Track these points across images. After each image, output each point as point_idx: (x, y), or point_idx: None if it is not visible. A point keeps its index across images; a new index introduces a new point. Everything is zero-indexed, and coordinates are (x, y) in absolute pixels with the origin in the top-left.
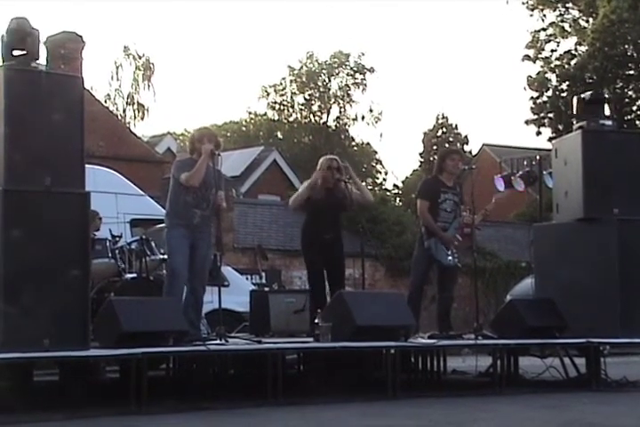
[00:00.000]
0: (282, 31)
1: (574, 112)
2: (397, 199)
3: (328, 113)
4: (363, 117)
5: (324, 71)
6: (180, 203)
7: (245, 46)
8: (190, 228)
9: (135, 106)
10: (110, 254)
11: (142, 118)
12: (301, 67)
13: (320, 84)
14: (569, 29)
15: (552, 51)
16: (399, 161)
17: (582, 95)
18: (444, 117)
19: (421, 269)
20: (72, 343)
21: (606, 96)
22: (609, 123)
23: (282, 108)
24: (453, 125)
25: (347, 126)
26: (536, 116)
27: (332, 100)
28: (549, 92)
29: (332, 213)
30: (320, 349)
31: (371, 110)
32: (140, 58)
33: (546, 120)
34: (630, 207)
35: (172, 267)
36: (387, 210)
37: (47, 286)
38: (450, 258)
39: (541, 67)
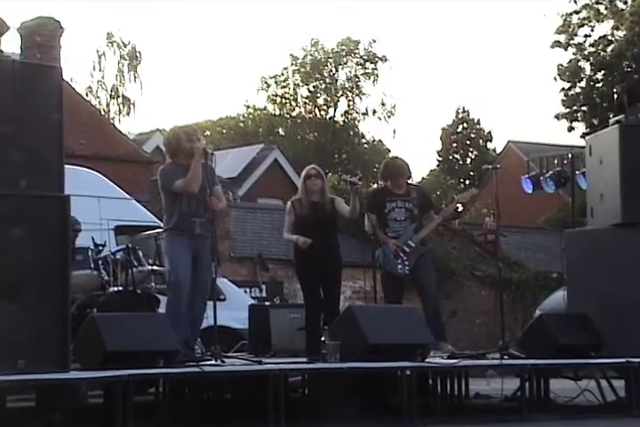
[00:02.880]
0: (283, 16)
1: (612, 105)
2: None
3: (335, 107)
4: (374, 112)
5: (330, 60)
6: (176, 213)
7: (243, 33)
8: (192, 237)
9: (120, 100)
10: (93, 265)
11: (128, 113)
12: (305, 55)
13: (326, 74)
14: (604, 12)
15: (586, 36)
16: (415, 160)
17: (621, 85)
18: (464, 111)
19: (389, 285)
20: (50, 365)
21: None
22: None
23: (284, 101)
24: (475, 120)
25: (356, 122)
26: (568, 110)
27: (340, 92)
28: (583, 83)
29: (320, 228)
30: (327, 370)
31: (383, 104)
32: (125, 46)
33: (579, 114)
34: None
35: (176, 277)
36: None
37: (21, 301)
38: (399, 267)
39: (574, 54)
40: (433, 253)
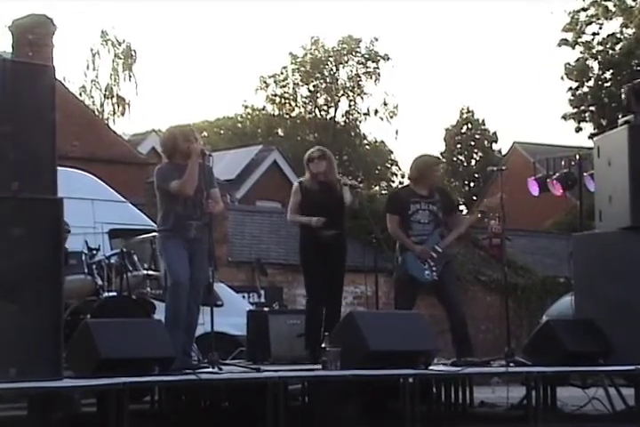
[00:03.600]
0: (283, 13)
1: (621, 104)
2: None
3: (336, 107)
4: (376, 112)
5: (330, 59)
6: (172, 216)
7: (241, 30)
8: (187, 240)
9: (114, 99)
10: (86, 270)
11: (122, 114)
12: (305, 54)
13: (327, 73)
14: (613, 9)
15: (594, 34)
16: None
17: (631, 84)
18: (468, 112)
19: (406, 292)
20: (42, 373)
21: None
22: None
23: (283, 101)
24: (480, 121)
25: (357, 122)
26: (575, 110)
27: (341, 92)
28: (591, 82)
29: (330, 209)
30: (328, 377)
31: (385, 104)
32: (119, 44)
33: (587, 114)
34: None
35: (175, 278)
36: None
37: (13, 307)
38: (427, 273)
39: (581, 53)
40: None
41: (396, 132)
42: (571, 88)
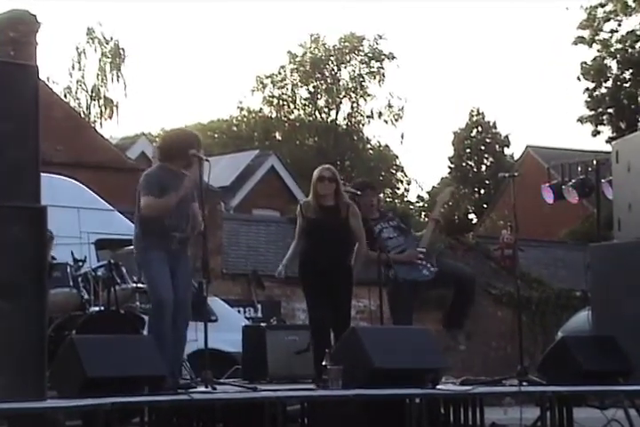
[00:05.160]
0: (280, 9)
1: None
2: (422, 214)
3: (337, 109)
4: (380, 114)
5: (332, 58)
6: (155, 226)
7: (236, 28)
8: (168, 252)
9: (102, 101)
10: (72, 283)
11: (110, 116)
12: (304, 53)
13: (327, 73)
14: (633, 4)
15: (612, 31)
16: (424, 167)
17: None
18: (479, 114)
19: (402, 304)
20: (24, 393)
21: None
22: None
23: (281, 103)
24: (490, 123)
25: (360, 125)
26: (592, 112)
27: (343, 93)
28: (609, 83)
29: (329, 236)
30: (329, 397)
31: (389, 106)
32: (107, 43)
33: (604, 116)
34: None
35: (158, 296)
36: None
37: None
38: (425, 271)
39: (599, 51)
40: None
41: (402, 136)
42: (587, 89)
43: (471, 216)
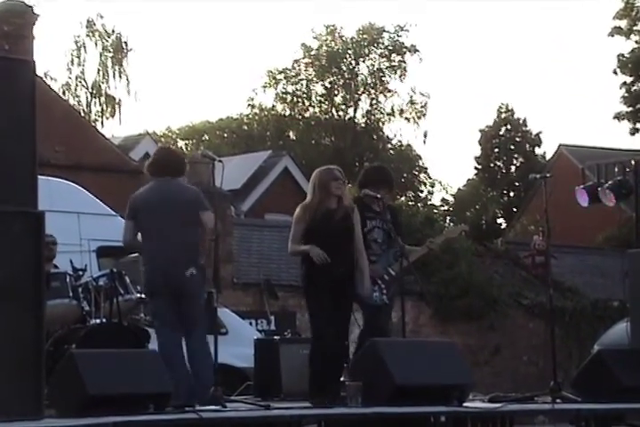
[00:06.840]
0: None
1: None
2: (447, 219)
3: (355, 106)
4: (401, 112)
5: (349, 51)
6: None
7: (247, 19)
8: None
9: (103, 99)
10: (71, 293)
11: (112, 115)
12: (320, 46)
13: (345, 68)
14: None
15: None
16: (449, 168)
17: None
18: (508, 110)
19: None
20: (21, 411)
21: None
22: None
23: (295, 99)
24: (520, 121)
25: (380, 123)
26: (630, 108)
27: (361, 89)
28: None
29: (339, 241)
30: (347, 416)
31: (412, 102)
32: (108, 36)
33: None
34: None
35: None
36: (433, 233)
37: None
38: (376, 295)
39: (637, 42)
40: (421, 285)
41: (425, 135)
42: (625, 83)
43: (500, 221)
